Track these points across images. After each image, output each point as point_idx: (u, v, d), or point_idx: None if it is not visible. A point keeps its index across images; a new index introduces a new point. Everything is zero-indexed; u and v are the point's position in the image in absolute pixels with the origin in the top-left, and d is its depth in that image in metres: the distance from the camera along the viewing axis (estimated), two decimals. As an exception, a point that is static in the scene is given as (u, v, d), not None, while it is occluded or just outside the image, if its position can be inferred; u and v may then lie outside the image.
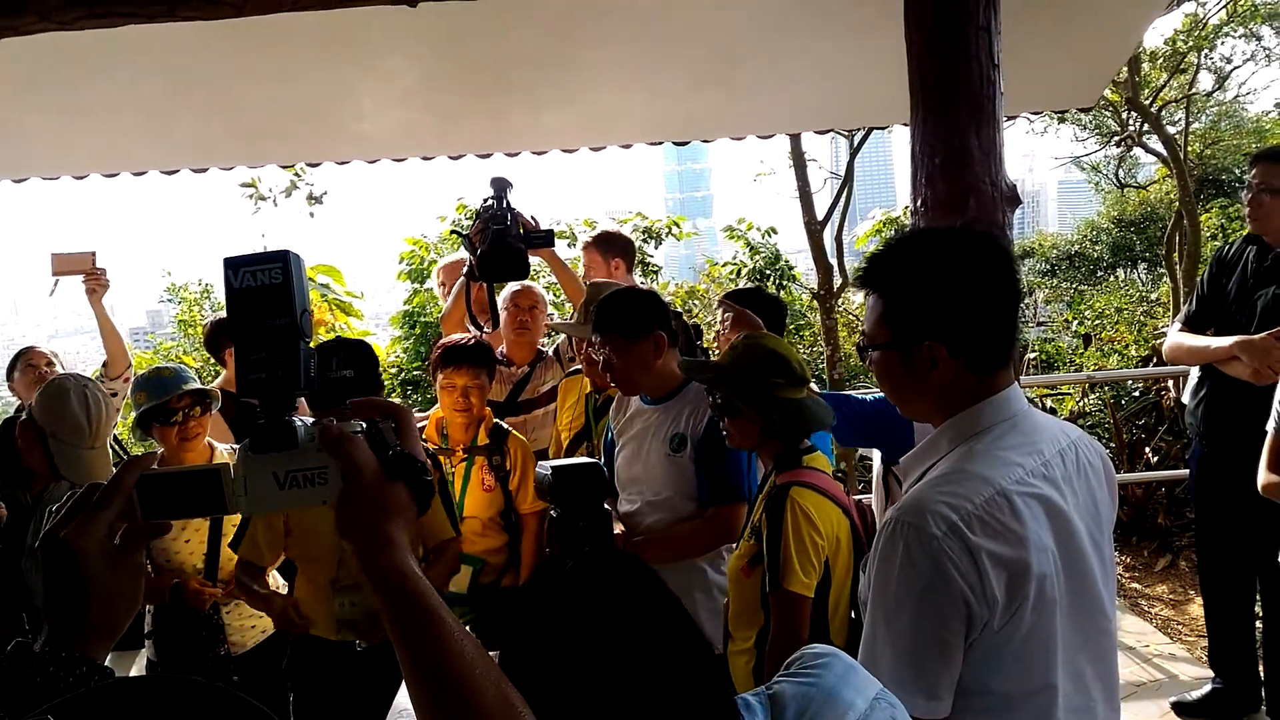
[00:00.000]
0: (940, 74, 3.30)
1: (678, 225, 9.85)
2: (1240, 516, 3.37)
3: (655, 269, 10.03)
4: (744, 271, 10.61)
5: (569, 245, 10.04)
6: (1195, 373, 3.59)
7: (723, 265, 11.34)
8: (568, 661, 1.04)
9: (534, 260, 3.86)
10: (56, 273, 3.87)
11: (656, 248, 9.90)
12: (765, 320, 3.56)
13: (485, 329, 3.53)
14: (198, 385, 3.17)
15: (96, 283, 3.81)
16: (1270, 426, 2.81)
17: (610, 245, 4.47)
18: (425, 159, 5.23)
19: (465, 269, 3.74)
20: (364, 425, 1.01)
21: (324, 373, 2.91)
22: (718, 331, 3.46)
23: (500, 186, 3.05)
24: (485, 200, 3.04)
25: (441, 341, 3.51)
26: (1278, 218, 3.37)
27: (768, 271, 10.44)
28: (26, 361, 3.91)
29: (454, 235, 3.48)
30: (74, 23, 3.32)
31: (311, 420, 1.02)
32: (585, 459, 2.18)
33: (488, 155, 5.20)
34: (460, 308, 3.82)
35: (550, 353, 4.10)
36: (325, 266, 8.68)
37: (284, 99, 4.49)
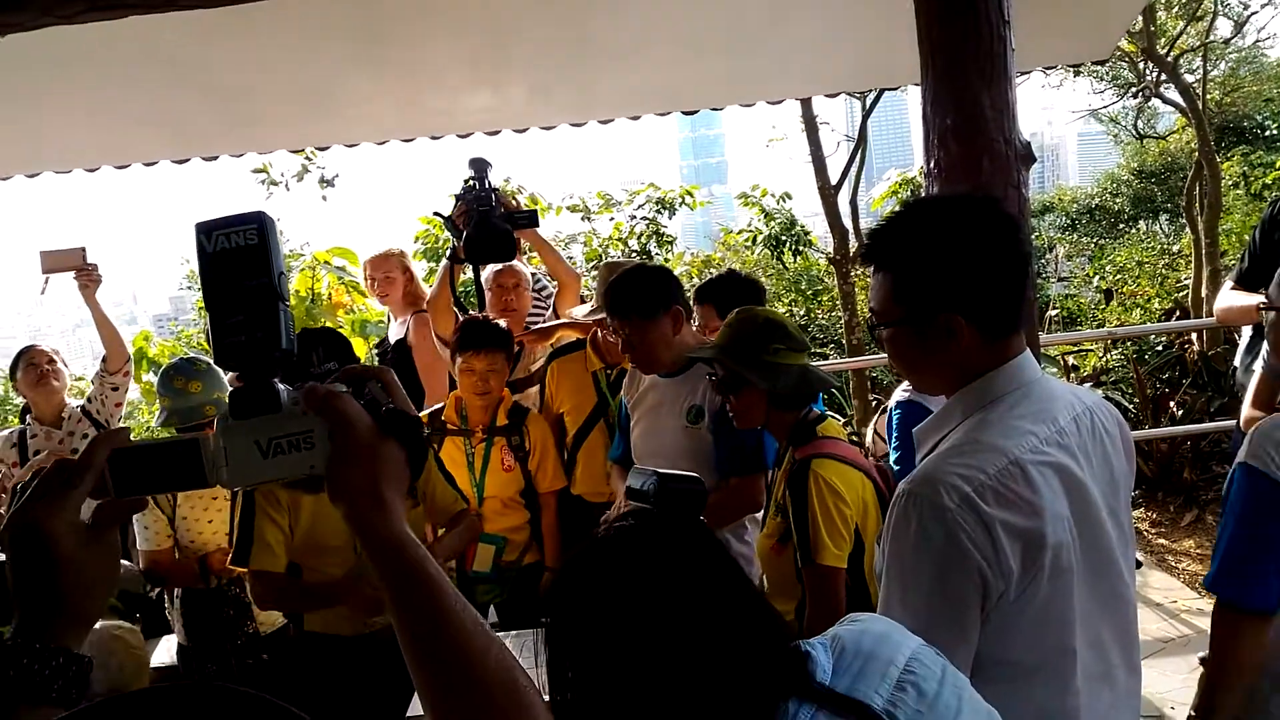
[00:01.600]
0: (949, 33, 3.25)
1: (690, 195, 9.79)
2: None
3: (670, 239, 9.99)
4: (759, 238, 10.55)
5: (582, 218, 10.02)
6: (1247, 332, 3.50)
7: (738, 233, 11.28)
8: (628, 616, 1.04)
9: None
10: (47, 270, 3.87)
11: (670, 218, 9.86)
12: (745, 303, 3.55)
13: (476, 316, 3.55)
14: (223, 396, 3.22)
15: (88, 279, 3.82)
16: (1257, 366, 2.78)
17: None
18: (433, 138, 5.22)
19: (449, 252, 3.74)
20: (349, 387, 0.96)
21: (306, 366, 2.91)
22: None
23: (480, 167, 3.03)
24: (466, 181, 3.01)
25: (460, 324, 3.50)
26: None
27: (783, 238, 10.36)
28: (28, 361, 3.94)
29: (436, 218, 3.45)
30: (76, 16, 3.32)
31: (295, 387, 0.97)
32: (689, 473, 2.15)
33: (496, 132, 5.17)
34: (446, 292, 3.82)
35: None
36: (340, 249, 8.68)
37: (288, 84, 4.48)
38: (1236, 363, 3.57)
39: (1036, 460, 1.43)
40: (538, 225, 3.59)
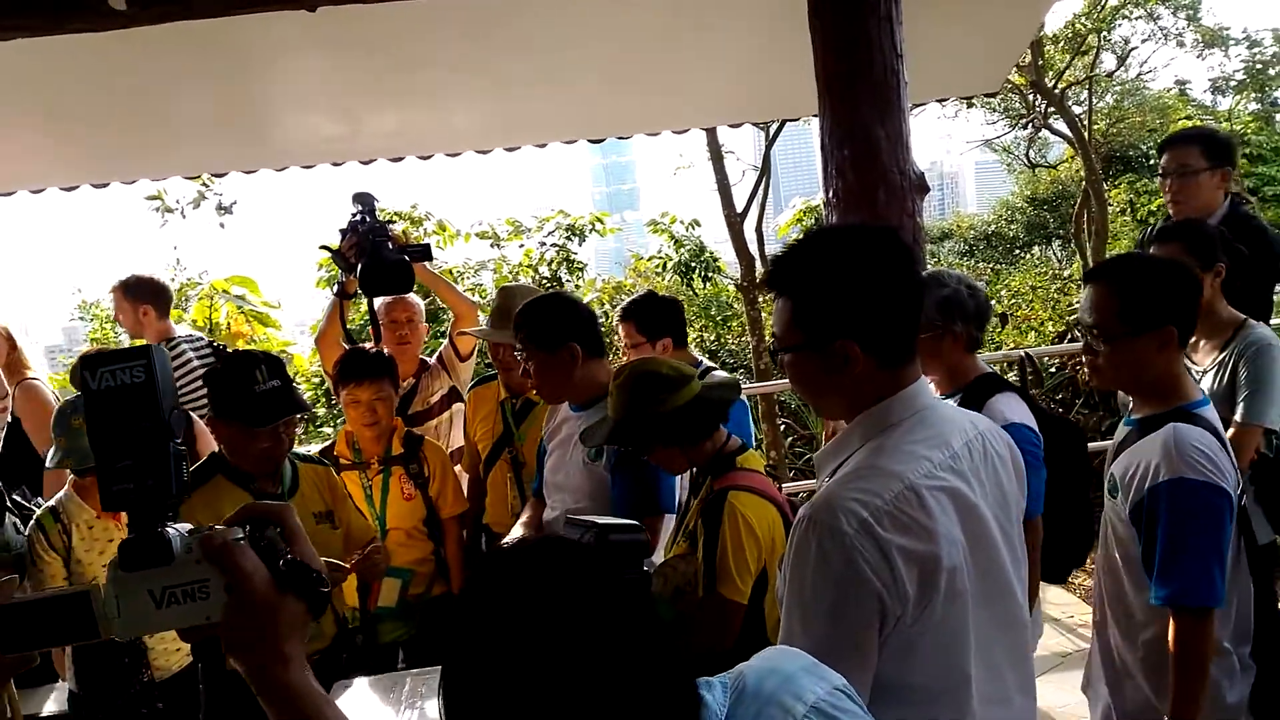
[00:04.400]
0: (843, 66, 3.33)
1: (600, 221, 9.83)
2: None
3: (580, 266, 10.00)
4: (669, 265, 10.64)
5: (491, 245, 9.96)
6: None
7: (648, 259, 11.36)
8: (517, 653, 0.98)
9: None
10: None
11: (581, 244, 9.87)
12: (665, 320, 3.55)
13: (362, 346, 3.50)
14: None
15: None
16: None
17: (138, 291, 4.28)
18: (335, 164, 5.13)
19: (335, 286, 3.69)
20: (245, 532, 0.94)
21: (251, 386, 2.81)
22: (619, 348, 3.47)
23: (367, 201, 3.02)
24: (353, 215, 2.99)
25: (339, 358, 3.47)
26: (1198, 198, 3.44)
27: (693, 264, 10.48)
28: None
29: (324, 250, 3.40)
30: (-46, 37, 3.19)
31: (188, 529, 0.95)
32: (628, 522, 2.11)
33: (399, 159, 5.12)
34: (336, 326, 3.78)
35: (434, 361, 4.05)
36: (240, 278, 8.47)
37: (184, 108, 4.36)
38: None
39: (931, 485, 1.46)
40: (431, 259, 3.58)
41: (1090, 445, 5.81)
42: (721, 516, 2.25)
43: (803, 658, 1.11)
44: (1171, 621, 2.01)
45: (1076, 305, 10.29)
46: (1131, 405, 2.28)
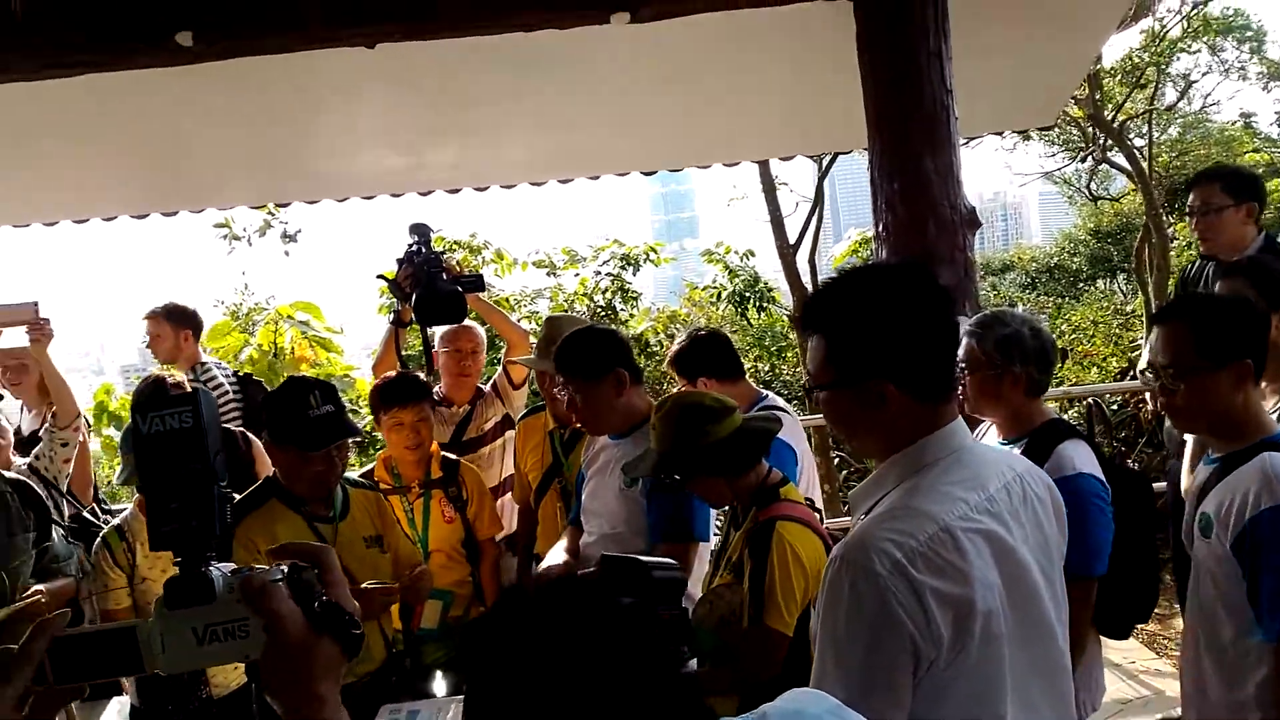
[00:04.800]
0: (893, 101, 3.34)
1: (655, 251, 9.88)
2: None
3: (635, 295, 10.04)
4: (724, 294, 10.64)
5: (548, 274, 10.05)
6: None
7: (703, 289, 11.37)
8: (535, 691, 0.99)
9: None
10: None
11: (635, 274, 9.91)
12: (700, 360, 3.50)
13: (420, 375, 3.58)
14: None
15: (40, 333, 3.78)
16: (1189, 436, 2.83)
17: (180, 318, 4.57)
18: (394, 195, 5.25)
19: (392, 315, 3.76)
20: (284, 572, 0.97)
21: (306, 411, 2.87)
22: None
23: (423, 232, 3.08)
24: (410, 246, 3.05)
25: (375, 384, 3.55)
26: (1224, 234, 3.50)
27: (747, 294, 10.47)
28: None
29: (380, 280, 3.49)
30: (37, 73, 3.36)
31: (232, 569, 0.99)
32: (667, 560, 2.11)
33: (456, 190, 5.23)
34: (391, 354, 3.87)
35: (489, 388, 4.10)
36: (304, 303, 8.65)
37: (247, 141, 4.51)
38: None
39: (966, 527, 1.45)
40: (483, 289, 3.64)
41: (1155, 485, 5.70)
42: (770, 545, 2.24)
43: (827, 700, 1.10)
44: None
45: (1139, 341, 10.08)
46: (1196, 445, 2.23)
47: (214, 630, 0.95)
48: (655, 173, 5.52)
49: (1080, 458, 2.45)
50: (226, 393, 4.39)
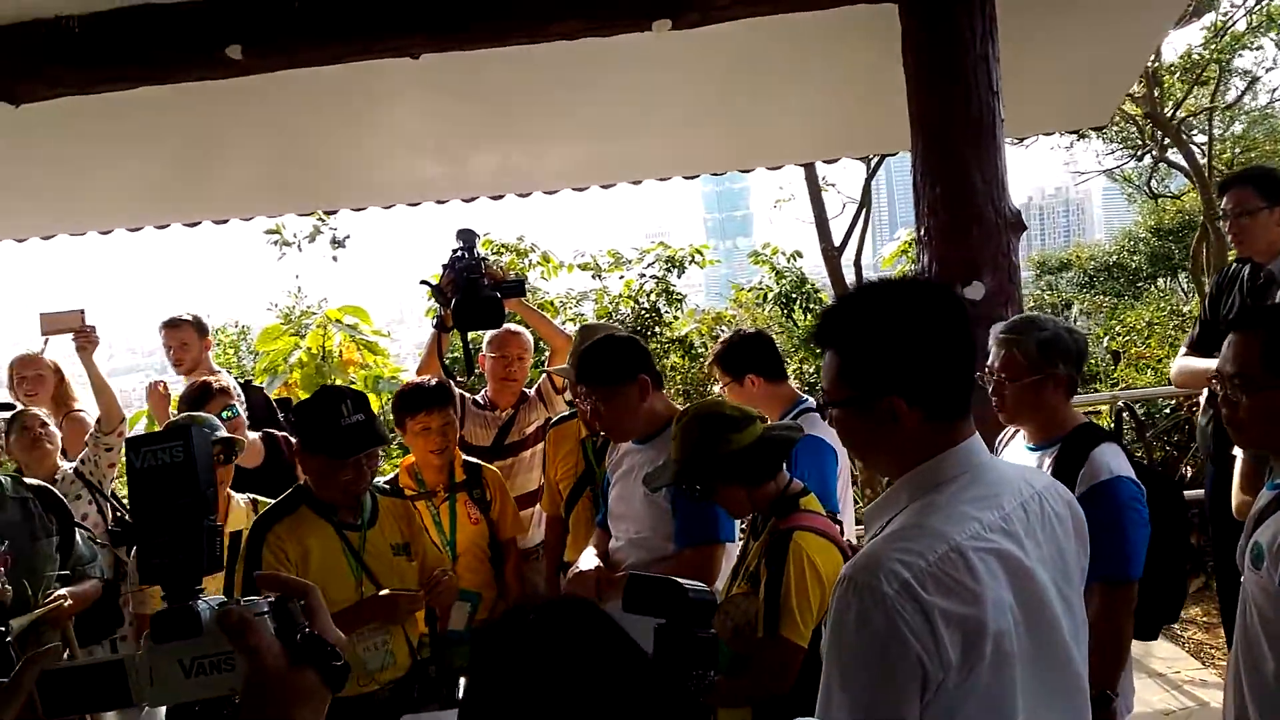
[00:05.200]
0: (938, 105, 3.30)
1: (700, 253, 9.85)
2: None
3: (680, 297, 10.02)
4: (770, 296, 10.59)
5: (592, 276, 10.08)
6: (1205, 394, 3.55)
7: (749, 290, 11.33)
8: (532, 710, 1.02)
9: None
10: (46, 332, 3.94)
11: (680, 276, 9.89)
12: (747, 358, 3.51)
13: (459, 379, 3.61)
14: (224, 434, 3.27)
15: (86, 340, 3.87)
16: (1237, 452, 2.74)
17: (203, 329, 4.75)
18: (439, 202, 5.31)
19: (435, 320, 3.80)
20: (270, 604, 0.98)
21: (337, 420, 2.91)
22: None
23: (468, 237, 3.11)
24: (454, 251, 3.09)
25: (398, 391, 3.60)
26: (1259, 237, 3.42)
27: (794, 295, 10.41)
28: (21, 424, 3.91)
29: (424, 285, 3.53)
30: (90, 87, 3.45)
31: (219, 602, 1.00)
32: (699, 584, 2.11)
33: (500, 196, 5.27)
34: (434, 359, 3.88)
35: (532, 393, 4.13)
36: (352, 308, 8.76)
37: (296, 150, 4.60)
38: (1200, 420, 3.62)
39: (978, 547, 1.43)
40: (524, 294, 3.66)
41: (1194, 493, 5.57)
42: (786, 556, 2.23)
43: None
44: None
45: (1196, 343, 9.78)
46: (1246, 462, 2.15)
47: (201, 663, 0.97)
48: (697, 176, 5.51)
49: (1116, 462, 2.42)
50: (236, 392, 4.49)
